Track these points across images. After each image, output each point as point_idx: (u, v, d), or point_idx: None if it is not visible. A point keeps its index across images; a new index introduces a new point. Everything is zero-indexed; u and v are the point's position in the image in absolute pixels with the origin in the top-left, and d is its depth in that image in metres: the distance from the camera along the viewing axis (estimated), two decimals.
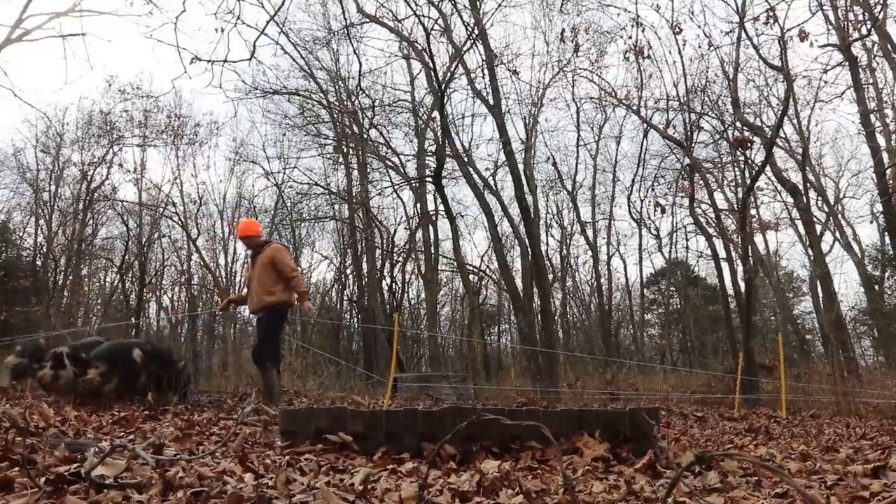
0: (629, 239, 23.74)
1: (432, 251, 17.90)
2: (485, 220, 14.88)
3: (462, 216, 19.63)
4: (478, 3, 12.96)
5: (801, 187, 14.17)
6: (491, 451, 2.93)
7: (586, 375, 12.75)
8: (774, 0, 10.74)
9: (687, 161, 15.41)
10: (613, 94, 16.42)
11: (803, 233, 16.76)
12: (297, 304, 5.94)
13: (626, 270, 24.33)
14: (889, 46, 12.78)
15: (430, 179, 15.48)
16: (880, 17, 11.79)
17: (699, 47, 21.77)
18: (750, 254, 14.34)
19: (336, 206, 21.09)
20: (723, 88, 14.67)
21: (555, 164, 20.91)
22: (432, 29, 12.79)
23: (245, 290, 6.35)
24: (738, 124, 13.30)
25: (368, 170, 19.09)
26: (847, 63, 12.83)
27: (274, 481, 2.07)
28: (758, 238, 20.29)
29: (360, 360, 18.96)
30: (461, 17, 13.40)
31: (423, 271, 19.78)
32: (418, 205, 18.41)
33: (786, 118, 13.54)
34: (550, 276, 19.64)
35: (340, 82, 18.25)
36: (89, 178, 20.25)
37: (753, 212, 17.06)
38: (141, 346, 5.35)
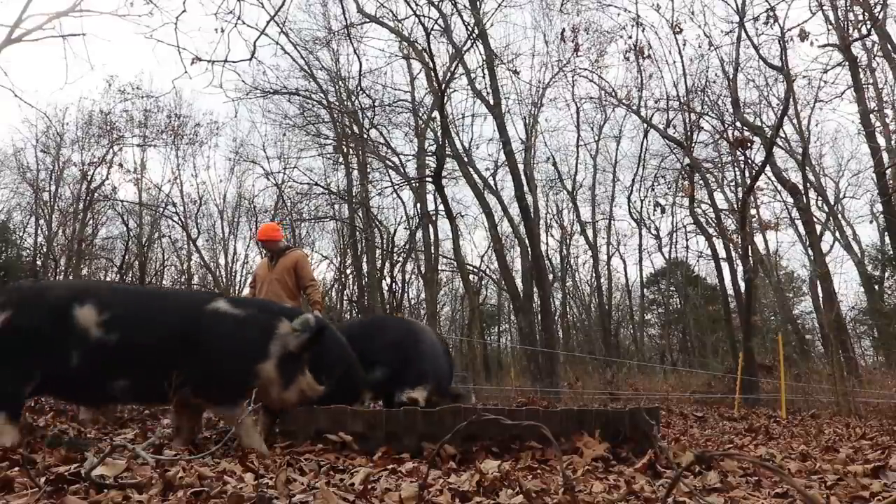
0: (629, 239, 23.72)
1: (432, 251, 17.88)
2: (485, 220, 14.88)
3: (462, 216, 19.60)
4: (478, 3, 12.95)
5: (801, 187, 14.16)
6: (491, 451, 2.93)
7: (586, 375, 12.75)
8: (774, 0, 10.75)
9: (687, 161, 15.41)
10: (613, 94, 16.43)
11: (803, 233, 16.75)
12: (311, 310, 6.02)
13: (626, 270, 24.33)
14: (889, 46, 12.77)
15: (430, 179, 15.47)
16: (880, 17, 11.79)
17: (699, 47, 21.74)
18: (750, 254, 14.34)
19: (336, 206, 21.09)
20: (723, 88, 14.67)
21: (555, 164, 20.90)
22: (432, 29, 12.78)
23: (248, 289, 6.35)
24: (738, 124, 13.30)
25: (368, 170, 19.08)
26: (847, 63, 12.83)
27: (274, 481, 2.07)
28: (758, 238, 20.28)
29: None
30: (461, 17, 13.40)
31: (423, 271, 19.78)
32: (418, 205, 18.39)
33: (786, 118, 13.54)
34: (550, 276, 19.63)
35: (340, 82, 18.25)
36: (89, 178, 20.25)
37: (753, 212, 17.05)
38: None
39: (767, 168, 12.57)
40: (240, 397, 3.03)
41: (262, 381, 3.04)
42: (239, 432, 2.91)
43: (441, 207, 15.86)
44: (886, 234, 17.13)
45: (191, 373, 2.95)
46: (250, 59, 10.00)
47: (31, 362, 2.89)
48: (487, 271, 23.26)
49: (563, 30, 15.05)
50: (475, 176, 15.05)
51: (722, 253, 16.43)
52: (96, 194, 20.81)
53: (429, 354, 4.29)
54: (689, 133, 15.04)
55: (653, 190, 20.89)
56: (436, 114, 15.00)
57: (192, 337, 3.02)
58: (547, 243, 22.39)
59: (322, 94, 17.45)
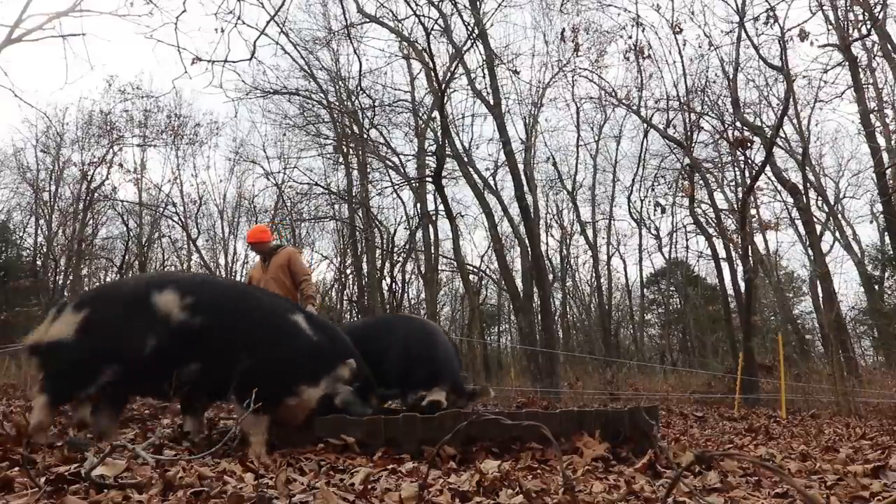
0: (629, 239, 23.74)
1: (432, 251, 17.88)
2: (485, 220, 14.88)
3: (462, 216, 19.60)
4: (478, 3, 12.95)
5: (801, 187, 14.16)
6: (491, 452, 2.93)
7: (586, 375, 12.74)
8: (774, 0, 10.75)
9: (687, 161, 15.41)
10: (613, 94, 16.43)
11: (803, 233, 16.75)
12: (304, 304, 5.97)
13: (626, 270, 24.34)
14: (889, 46, 12.78)
15: (430, 179, 15.47)
16: (880, 17, 11.79)
17: (699, 47, 21.78)
18: (750, 254, 14.33)
19: (336, 206, 21.10)
20: (723, 88, 14.67)
21: (555, 164, 20.90)
22: (432, 29, 12.78)
23: None
24: (738, 124, 13.30)
25: (368, 170, 19.08)
26: (847, 63, 12.83)
27: (274, 481, 2.07)
28: (758, 238, 20.28)
29: None
30: (461, 17, 13.39)
31: (423, 271, 19.78)
32: (418, 205, 18.40)
33: (786, 118, 13.53)
34: (550, 276, 19.63)
35: (340, 82, 18.25)
36: (89, 178, 20.27)
37: (753, 212, 17.06)
38: None
39: (767, 168, 12.57)
40: (272, 407, 3.04)
41: (299, 401, 3.07)
42: (248, 432, 2.93)
43: (441, 207, 15.88)
44: (886, 234, 17.14)
45: (246, 370, 3.00)
46: (250, 59, 10.00)
47: (106, 359, 2.93)
48: (487, 271, 23.28)
49: (563, 30, 15.05)
50: (475, 176, 15.05)
51: (722, 253, 16.44)
52: (96, 194, 20.84)
53: (442, 353, 4.15)
54: (689, 133, 15.04)
55: (653, 190, 20.92)
56: (436, 114, 15.00)
57: (265, 339, 3.09)
58: (547, 243, 22.42)
59: (322, 94, 17.45)
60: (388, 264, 21.13)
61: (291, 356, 3.09)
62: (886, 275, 21.85)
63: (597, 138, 21.29)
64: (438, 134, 15.26)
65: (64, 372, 2.93)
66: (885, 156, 13.52)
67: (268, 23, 11.81)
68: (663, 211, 20.34)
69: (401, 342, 4.24)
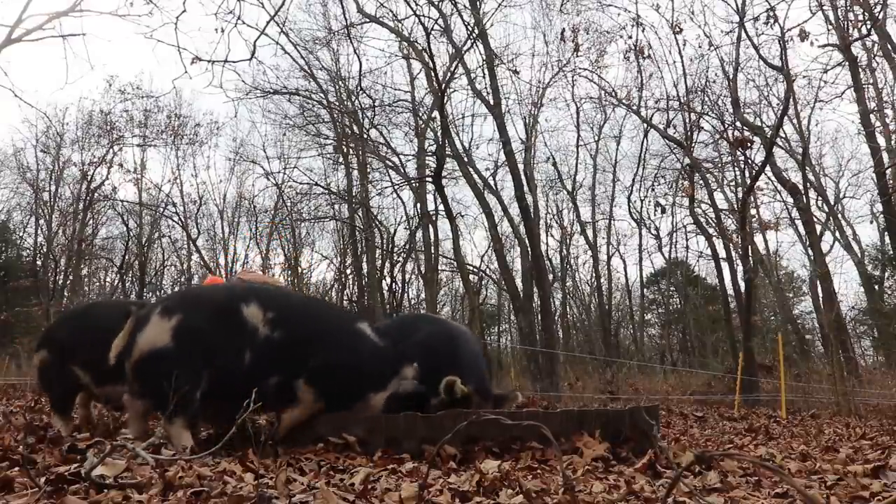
0: (629, 239, 23.74)
1: (432, 251, 17.88)
2: (485, 220, 14.89)
3: (462, 216, 19.59)
4: (478, 3, 12.96)
5: (801, 187, 14.16)
6: (491, 452, 2.93)
7: (586, 375, 12.75)
8: (774, 0, 10.75)
9: (687, 161, 15.42)
10: (613, 94, 16.44)
11: (803, 233, 16.75)
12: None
13: (626, 270, 24.33)
14: (889, 46, 12.78)
15: (430, 179, 15.47)
16: (880, 17, 11.80)
17: (699, 47, 21.73)
18: (750, 254, 14.35)
19: (336, 206, 21.11)
20: (723, 88, 14.68)
21: (555, 164, 20.91)
22: (432, 29, 12.78)
23: None
24: (738, 124, 13.31)
25: (368, 170, 19.09)
26: (847, 63, 12.84)
27: (274, 481, 2.07)
28: (758, 238, 20.28)
29: None
30: (461, 17, 13.41)
31: (423, 271, 19.78)
32: (418, 205, 18.41)
33: (786, 118, 13.54)
34: (550, 276, 19.62)
35: (340, 82, 18.26)
36: (89, 178, 20.30)
37: (753, 212, 17.05)
38: None
39: (767, 168, 12.58)
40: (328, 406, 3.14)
41: (368, 408, 3.18)
42: (283, 433, 3.06)
43: (441, 207, 15.87)
44: (886, 234, 17.14)
45: (313, 368, 3.07)
46: (250, 59, 10.02)
47: (203, 365, 2.90)
48: (487, 271, 23.27)
49: (563, 30, 15.05)
50: (475, 176, 15.06)
51: (722, 253, 16.45)
52: (96, 194, 20.87)
53: (467, 355, 4.03)
54: (689, 133, 15.06)
55: (653, 190, 20.93)
56: (436, 114, 15.00)
57: (330, 346, 3.17)
58: (547, 243, 22.41)
59: (322, 94, 17.46)
60: (388, 264, 21.14)
61: (358, 364, 3.18)
62: (886, 275, 21.86)
63: (597, 138, 21.32)
64: (438, 134, 15.25)
65: (174, 382, 2.79)
66: (885, 156, 13.52)
67: (268, 23, 11.82)
68: (663, 211, 20.36)
69: (427, 343, 4.20)
